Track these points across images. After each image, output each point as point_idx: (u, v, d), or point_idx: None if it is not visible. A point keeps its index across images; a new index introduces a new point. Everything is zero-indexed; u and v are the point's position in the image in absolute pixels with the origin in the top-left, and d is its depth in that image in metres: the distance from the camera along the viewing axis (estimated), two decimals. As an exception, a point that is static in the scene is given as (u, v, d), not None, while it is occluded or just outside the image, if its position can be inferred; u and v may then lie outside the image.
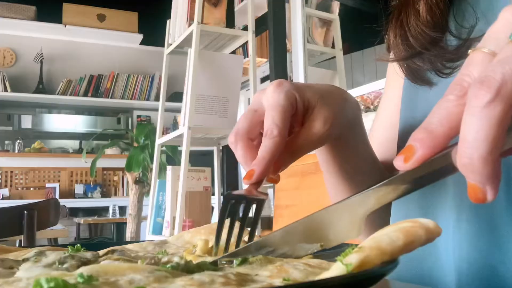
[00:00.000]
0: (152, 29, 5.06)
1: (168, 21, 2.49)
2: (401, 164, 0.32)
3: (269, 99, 0.47)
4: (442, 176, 0.32)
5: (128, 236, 3.54)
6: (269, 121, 0.45)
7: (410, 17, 0.56)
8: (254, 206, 0.44)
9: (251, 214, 0.43)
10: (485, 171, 0.28)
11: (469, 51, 0.32)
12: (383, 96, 0.73)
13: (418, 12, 0.56)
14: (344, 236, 0.37)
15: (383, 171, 0.65)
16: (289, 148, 0.47)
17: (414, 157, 0.31)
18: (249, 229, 0.42)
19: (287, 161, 0.48)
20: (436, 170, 0.32)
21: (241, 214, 0.43)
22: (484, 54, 0.31)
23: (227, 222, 0.42)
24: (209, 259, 0.38)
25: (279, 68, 2.62)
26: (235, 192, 0.45)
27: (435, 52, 0.55)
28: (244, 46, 3.33)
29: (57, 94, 5.09)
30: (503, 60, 0.28)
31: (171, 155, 3.35)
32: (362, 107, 1.89)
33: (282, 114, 0.45)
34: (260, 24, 2.91)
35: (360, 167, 0.61)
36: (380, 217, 0.62)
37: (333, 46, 2.68)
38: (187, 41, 2.23)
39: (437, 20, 0.55)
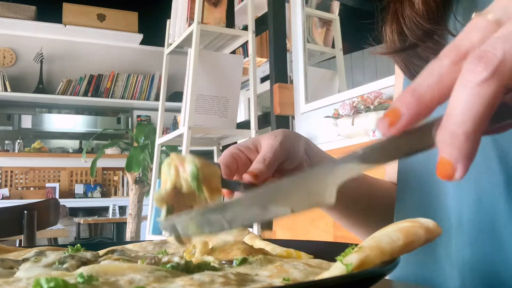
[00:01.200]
0: (152, 29, 5.07)
1: (168, 21, 2.49)
2: (385, 129, 0.30)
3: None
4: (415, 152, 0.30)
5: (128, 236, 3.54)
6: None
7: (406, 8, 0.56)
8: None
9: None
10: (465, 148, 0.27)
11: (473, 15, 0.30)
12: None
13: (413, 3, 0.56)
14: (314, 202, 0.35)
15: (386, 195, 0.66)
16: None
17: (399, 122, 0.29)
18: (249, 229, 0.42)
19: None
20: (413, 143, 0.30)
21: None
22: (488, 22, 0.29)
23: None
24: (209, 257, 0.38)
25: (279, 68, 2.62)
26: None
27: (430, 45, 0.54)
28: (244, 46, 3.33)
29: (57, 94, 5.09)
30: (506, 35, 0.27)
31: (171, 155, 3.34)
32: (362, 107, 1.89)
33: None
34: (260, 24, 2.91)
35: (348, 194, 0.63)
36: (384, 222, 0.62)
37: (333, 46, 2.68)
38: (187, 41, 2.23)
39: (432, 11, 0.54)
